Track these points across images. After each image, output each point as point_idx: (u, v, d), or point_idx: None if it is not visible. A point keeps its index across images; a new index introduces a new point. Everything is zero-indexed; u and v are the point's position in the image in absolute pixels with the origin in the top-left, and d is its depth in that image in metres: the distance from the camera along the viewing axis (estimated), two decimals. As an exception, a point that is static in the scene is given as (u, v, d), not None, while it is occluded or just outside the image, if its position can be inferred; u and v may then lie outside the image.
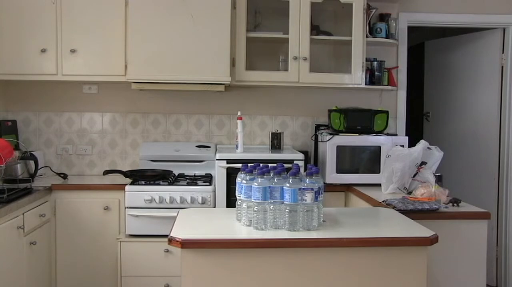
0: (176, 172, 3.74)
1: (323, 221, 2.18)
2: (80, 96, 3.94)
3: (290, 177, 2.08)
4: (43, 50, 3.52)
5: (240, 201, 2.18)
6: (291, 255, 2.00)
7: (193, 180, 3.54)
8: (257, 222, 2.10)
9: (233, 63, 3.56)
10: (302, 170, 3.06)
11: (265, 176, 2.09)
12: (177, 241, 1.95)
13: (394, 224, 2.32)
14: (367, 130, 3.63)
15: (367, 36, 3.70)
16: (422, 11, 4.08)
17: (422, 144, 3.10)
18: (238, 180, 2.20)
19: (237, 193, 2.21)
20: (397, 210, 2.56)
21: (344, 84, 3.71)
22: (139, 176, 3.53)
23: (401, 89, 4.10)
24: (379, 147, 3.54)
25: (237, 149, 3.51)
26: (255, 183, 2.08)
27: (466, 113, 4.54)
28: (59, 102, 3.93)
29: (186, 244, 1.95)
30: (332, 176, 3.50)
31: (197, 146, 3.90)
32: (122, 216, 3.38)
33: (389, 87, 3.95)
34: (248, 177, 2.15)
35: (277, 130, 3.82)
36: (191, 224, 2.26)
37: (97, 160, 3.97)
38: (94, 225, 3.39)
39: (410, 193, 2.96)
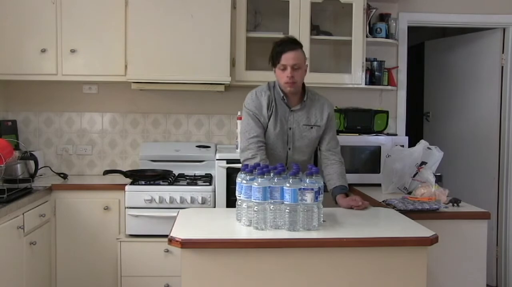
0: (176, 172, 3.74)
1: (323, 221, 2.18)
2: (80, 96, 3.94)
3: (290, 177, 2.08)
4: (43, 50, 3.52)
5: (240, 201, 2.18)
6: (291, 255, 2.00)
7: (193, 180, 3.54)
8: (257, 222, 2.10)
9: (233, 63, 3.56)
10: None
11: (265, 176, 2.09)
12: (177, 241, 1.95)
13: (394, 224, 2.32)
14: (367, 130, 3.64)
15: (367, 36, 3.70)
16: (422, 11, 4.08)
17: (422, 144, 3.10)
18: (238, 180, 2.20)
19: (237, 193, 2.21)
20: (397, 210, 2.56)
21: (344, 84, 3.71)
22: (139, 176, 3.52)
23: (401, 89, 4.11)
24: (379, 147, 3.55)
25: (237, 149, 3.51)
26: (255, 183, 2.08)
27: (466, 113, 4.54)
28: (59, 102, 3.93)
29: (186, 244, 1.95)
30: (332, 176, 3.50)
31: (197, 146, 3.90)
32: (122, 216, 3.38)
33: (389, 87, 3.95)
34: (248, 177, 2.14)
35: (277, 130, 3.81)
36: (191, 224, 2.26)
37: (97, 160, 3.97)
38: (94, 225, 3.39)
39: (410, 193, 2.96)
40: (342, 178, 2.77)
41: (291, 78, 2.60)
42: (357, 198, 2.60)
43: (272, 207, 2.09)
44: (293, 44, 2.65)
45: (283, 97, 2.72)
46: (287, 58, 2.60)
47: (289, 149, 2.75)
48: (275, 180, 2.10)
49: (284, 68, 2.61)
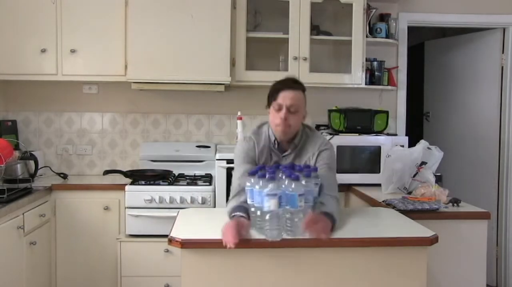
0: (176, 172, 3.74)
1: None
2: (80, 96, 3.94)
3: (293, 181, 2.00)
4: (43, 50, 3.52)
5: (254, 209, 2.00)
6: (291, 255, 2.00)
7: (193, 180, 3.54)
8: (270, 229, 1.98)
9: (233, 63, 3.56)
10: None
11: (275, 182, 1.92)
12: (177, 241, 1.95)
13: (394, 224, 2.32)
14: (367, 130, 3.63)
15: (367, 36, 3.70)
16: (422, 11, 4.08)
17: (422, 144, 3.10)
18: (248, 185, 2.02)
19: (249, 201, 2.04)
20: (397, 210, 2.55)
21: (344, 84, 3.71)
22: (139, 176, 3.53)
23: (401, 89, 4.11)
24: (379, 147, 3.54)
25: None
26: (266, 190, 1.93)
27: (466, 113, 4.54)
28: (59, 102, 3.93)
29: (186, 244, 1.95)
30: (332, 176, 3.50)
31: (197, 146, 3.90)
32: (122, 216, 3.38)
33: (389, 87, 3.95)
34: (260, 182, 1.93)
35: (277, 130, 3.81)
36: (191, 224, 2.26)
37: (97, 160, 3.97)
38: (94, 225, 3.39)
39: (410, 193, 2.96)
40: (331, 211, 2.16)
41: (284, 120, 2.24)
42: (318, 225, 1.98)
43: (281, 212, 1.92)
44: (294, 83, 2.33)
45: (274, 142, 2.36)
46: (285, 96, 2.26)
47: None
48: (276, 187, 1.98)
49: (279, 108, 2.27)
